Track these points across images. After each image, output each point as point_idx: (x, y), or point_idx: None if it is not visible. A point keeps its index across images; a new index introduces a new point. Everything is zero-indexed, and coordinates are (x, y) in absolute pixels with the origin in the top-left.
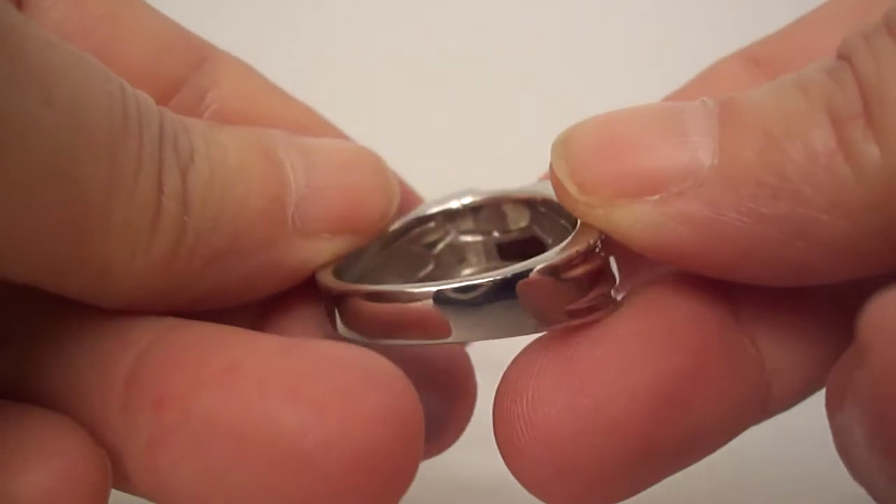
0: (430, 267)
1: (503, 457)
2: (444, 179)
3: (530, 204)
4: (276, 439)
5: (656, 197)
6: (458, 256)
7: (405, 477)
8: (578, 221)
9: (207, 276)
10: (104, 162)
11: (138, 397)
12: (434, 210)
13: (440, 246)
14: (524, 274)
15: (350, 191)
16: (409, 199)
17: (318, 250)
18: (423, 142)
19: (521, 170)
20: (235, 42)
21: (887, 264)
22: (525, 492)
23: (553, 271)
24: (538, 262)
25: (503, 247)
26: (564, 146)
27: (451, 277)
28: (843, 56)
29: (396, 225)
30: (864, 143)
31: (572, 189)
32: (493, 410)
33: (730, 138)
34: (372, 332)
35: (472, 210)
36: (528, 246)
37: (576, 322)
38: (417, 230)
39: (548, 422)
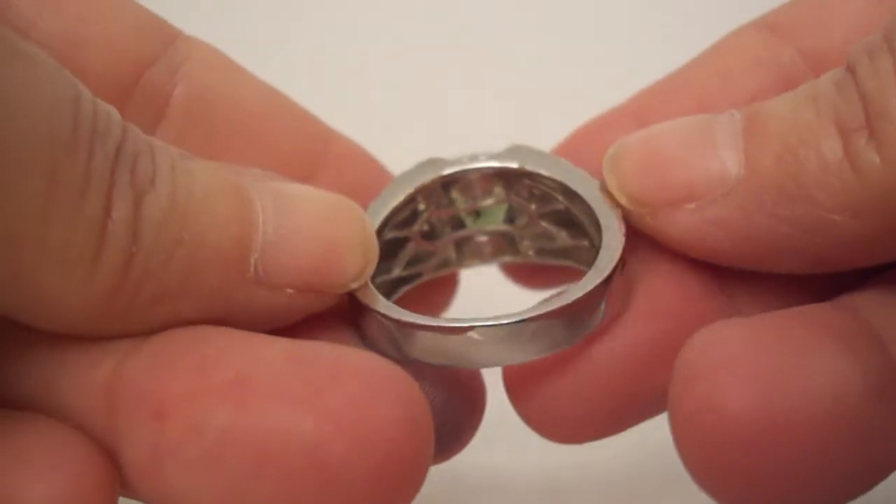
0: (412, 244)
1: (511, 402)
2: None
3: (503, 176)
4: (294, 451)
5: (693, 205)
6: (436, 231)
7: (417, 481)
8: (602, 229)
9: (155, 315)
10: (42, 174)
11: (128, 405)
12: (409, 190)
13: (418, 224)
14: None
15: (323, 244)
16: (381, 178)
17: (279, 307)
18: (398, 119)
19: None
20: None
21: (893, 254)
22: (522, 490)
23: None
24: (577, 293)
25: (479, 213)
26: (613, 161)
27: (436, 252)
28: (850, 69)
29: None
30: (867, 151)
31: (622, 200)
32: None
33: (753, 149)
34: (400, 352)
35: (444, 185)
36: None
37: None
38: (400, 214)
39: (549, 380)
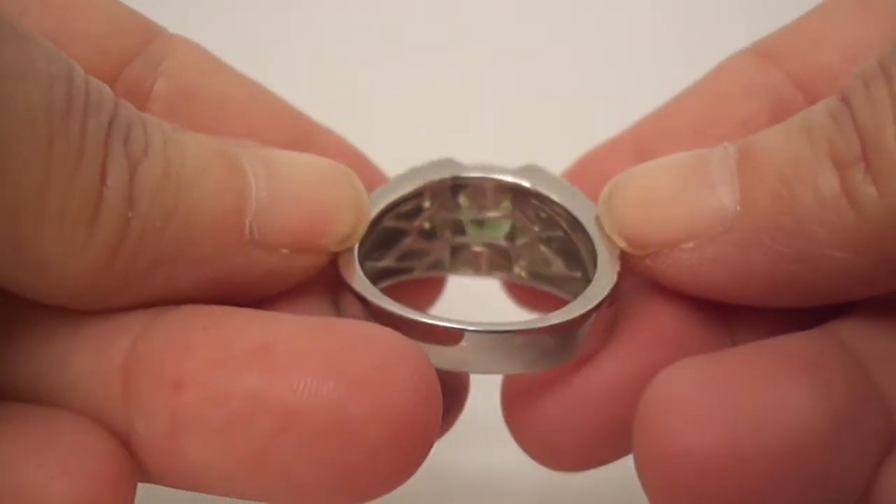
0: (409, 239)
1: (510, 430)
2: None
3: (513, 191)
4: (317, 414)
5: (691, 244)
6: (436, 231)
7: (429, 443)
8: (598, 262)
9: (154, 281)
10: (40, 144)
11: (146, 382)
12: (419, 184)
13: (419, 220)
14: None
15: (314, 204)
16: (374, 177)
17: (277, 266)
18: (396, 120)
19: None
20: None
21: (892, 286)
22: (520, 489)
23: (579, 322)
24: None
25: (482, 223)
26: (609, 203)
27: (431, 251)
28: (845, 99)
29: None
30: (864, 185)
31: (620, 243)
32: (501, 392)
33: (748, 185)
34: None
35: (454, 188)
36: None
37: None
38: (404, 205)
39: (546, 404)
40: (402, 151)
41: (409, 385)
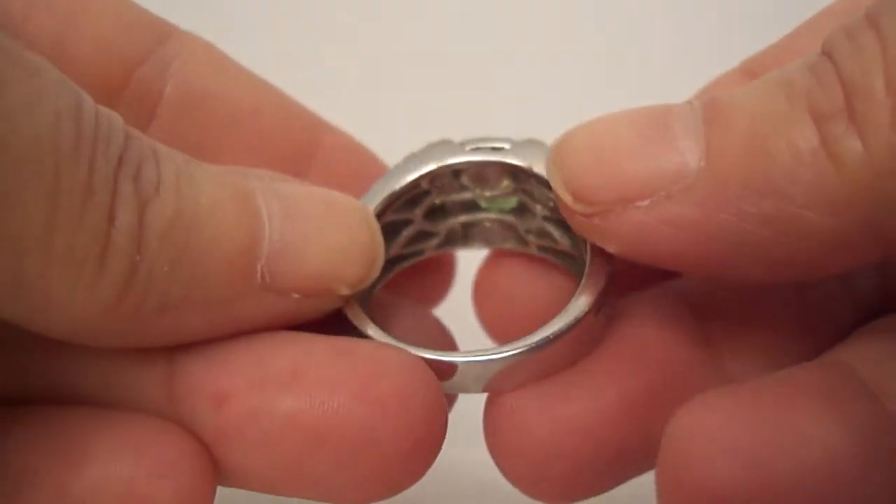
0: (414, 226)
1: (494, 460)
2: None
3: (512, 171)
4: (349, 432)
5: (646, 202)
6: (445, 210)
7: (439, 447)
8: (587, 264)
9: (161, 323)
10: (46, 182)
11: (189, 395)
12: (416, 174)
13: (422, 206)
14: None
15: (328, 250)
16: (374, 168)
17: (284, 311)
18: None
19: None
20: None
21: (871, 257)
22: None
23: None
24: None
25: (492, 198)
26: (557, 155)
27: (438, 232)
28: (826, 52)
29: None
30: (847, 139)
31: (567, 198)
32: (484, 421)
33: (715, 140)
34: None
35: (454, 172)
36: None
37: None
38: (405, 196)
39: (531, 429)
40: (408, 146)
41: (424, 406)
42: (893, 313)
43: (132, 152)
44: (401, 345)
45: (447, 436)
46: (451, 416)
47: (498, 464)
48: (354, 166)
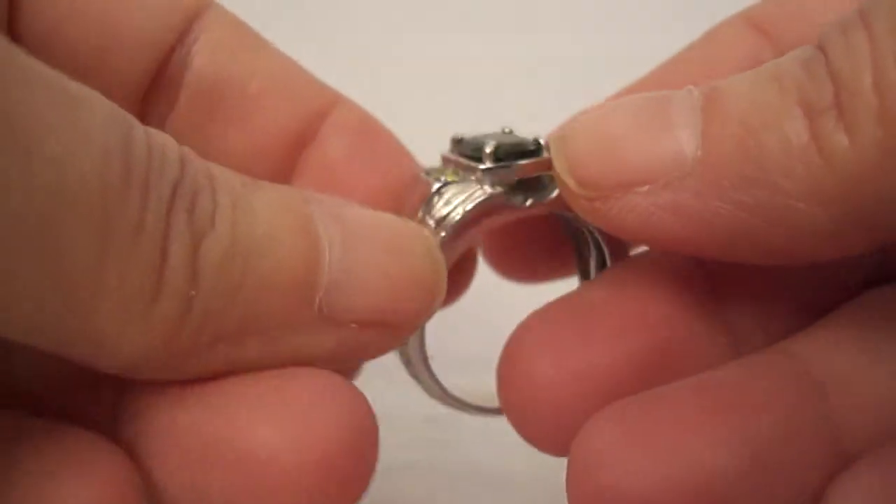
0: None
1: (506, 414)
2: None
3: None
4: (257, 458)
5: (646, 188)
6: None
7: (365, 479)
8: None
9: (215, 356)
10: (94, 223)
11: (129, 411)
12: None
13: None
14: None
15: (391, 281)
16: (384, 141)
17: (344, 342)
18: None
19: None
20: None
21: (860, 246)
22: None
23: None
24: None
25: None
26: (562, 142)
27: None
28: (820, 46)
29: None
30: (836, 134)
31: (571, 183)
32: (498, 372)
33: (712, 130)
34: None
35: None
36: None
37: None
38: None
39: (541, 381)
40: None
41: (335, 428)
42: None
43: (187, 182)
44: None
45: None
46: None
47: (509, 416)
48: (364, 139)
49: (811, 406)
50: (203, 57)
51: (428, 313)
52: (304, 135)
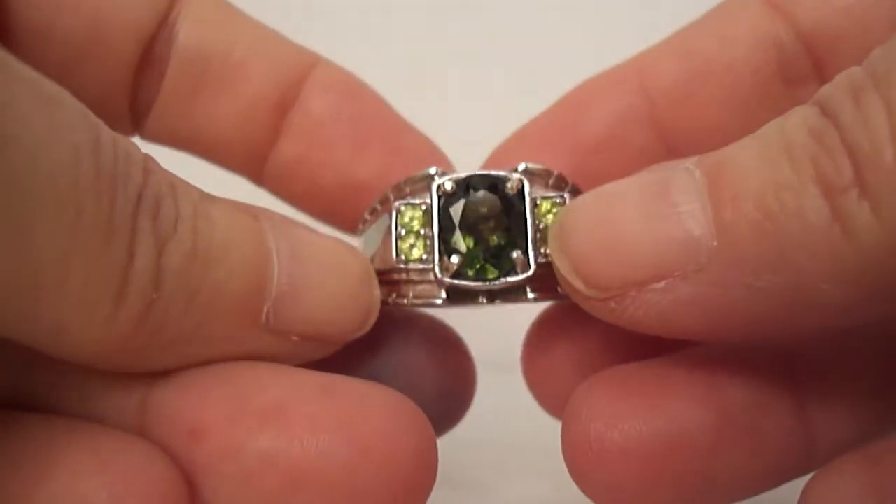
0: None
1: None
2: None
3: None
4: (329, 474)
5: (662, 284)
6: None
7: (427, 493)
8: None
9: (167, 356)
10: (66, 218)
11: (161, 426)
12: None
13: None
14: None
15: (331, 298)
16: (366, 97)
17: (283, 351)
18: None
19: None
20: None
21: (880, 314)
22: None
23: None
24: None
25: None
26: (561, 240)
27: None
28: (828, 113)
29: None
30: (861, 213)
31: (579, 285)
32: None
33: (725, 216)
34: None
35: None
36: None
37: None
38: None
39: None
40: None
41: (410, 449)
42: None
43: (151, 189)
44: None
45: None
46: None
47: (533, 391)
48: (345, 96)
49: (782, 382)
50: (187, 31)
51: (361, 330)
52: (288, 95)
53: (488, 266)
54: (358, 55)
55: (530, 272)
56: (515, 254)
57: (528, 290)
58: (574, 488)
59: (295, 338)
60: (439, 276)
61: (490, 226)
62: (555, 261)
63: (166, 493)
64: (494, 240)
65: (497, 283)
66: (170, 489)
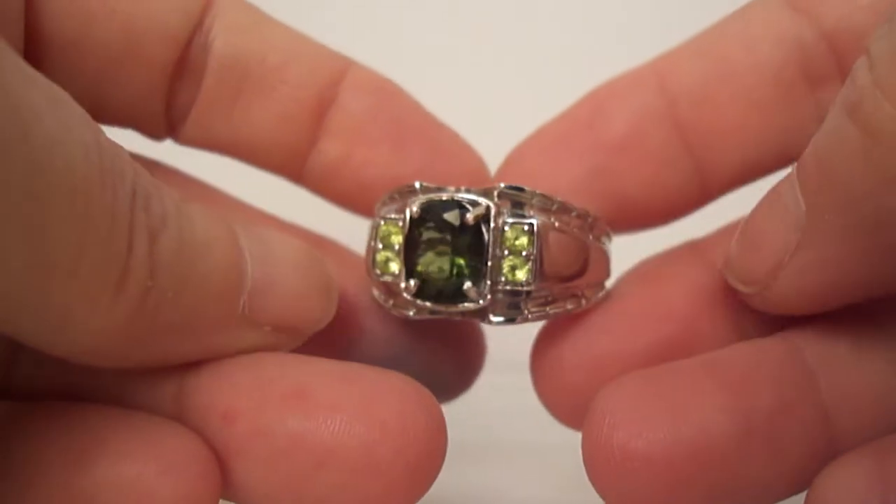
0: None
1: (540, 398)
2: None
3: None
4: (350, 453)
5: (786, 259)
6: None
7: (438, 471)
8: None
9: (158, 348)
10: (78, 210)
11: (197, 411)
12: None
13: None
14: None
15: (299, 292)
16: (399, 99)
17: (258, 342)
18: None
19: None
20: None
21: None
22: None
23: None
24: None
25: None
26: (727, 268)
27: None
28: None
29: None
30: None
31: (739, 286)
32: (530, 365)
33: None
34: None
35: None
36: None
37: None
38: None
39: (569, 366)
40: None
41: (422, 427)
42: None
43: (141, 186)
44: None
45: None
46: None
47: (542, 399)
48: (379, 99)
49: (805, 389)
50: (222, 40)
51: (324, 322)
52: (325, 97)
53: (447, 291)
54: (378, 57)
55: (481, 304)
56: (467, 285)
57: (490, 315)
58: (579, 490)
59: (268, 328)
60: (405, 295)
61: (448, 251)
62: (727, 276)
63: (204, 472)
64: (454, 264)
65: (453, 309)
66: (206, 469)
